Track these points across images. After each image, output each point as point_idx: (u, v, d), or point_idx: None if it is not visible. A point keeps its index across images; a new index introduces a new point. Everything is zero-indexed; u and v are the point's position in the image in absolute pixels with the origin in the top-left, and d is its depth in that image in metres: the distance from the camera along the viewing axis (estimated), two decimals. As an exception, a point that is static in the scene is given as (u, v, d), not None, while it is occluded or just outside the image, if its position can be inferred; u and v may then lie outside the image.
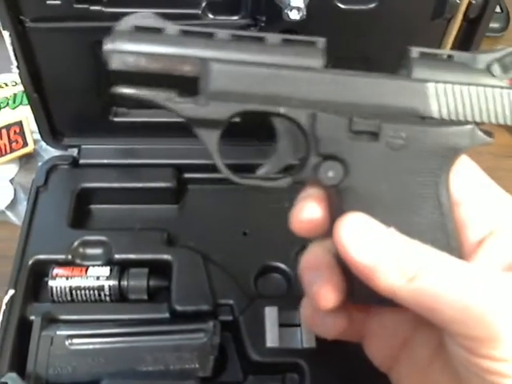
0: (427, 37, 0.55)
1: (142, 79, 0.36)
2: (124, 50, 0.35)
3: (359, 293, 0.37)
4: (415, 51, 0.37)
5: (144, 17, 0.36)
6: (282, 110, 0.36)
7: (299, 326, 0.53)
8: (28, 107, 0.73)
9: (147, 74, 0.36)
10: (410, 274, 0.32)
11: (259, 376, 0.52)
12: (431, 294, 0.31)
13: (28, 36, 0.53)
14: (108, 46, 0.35)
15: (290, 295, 0.58)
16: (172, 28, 0.36)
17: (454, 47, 0.55)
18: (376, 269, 0.33)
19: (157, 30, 0.36)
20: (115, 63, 0.35)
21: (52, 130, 0.63)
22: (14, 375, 0.48)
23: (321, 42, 0.36)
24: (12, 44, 0.53)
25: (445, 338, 0.34)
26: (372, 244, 0.33)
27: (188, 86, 0.36)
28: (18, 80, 0.77)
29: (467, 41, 0.55)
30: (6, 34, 0.52)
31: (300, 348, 0.52)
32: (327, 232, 0.37)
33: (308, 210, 0.37)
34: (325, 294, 0.36)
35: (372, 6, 0.51)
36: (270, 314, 0.54)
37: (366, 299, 0.37)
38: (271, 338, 0.52)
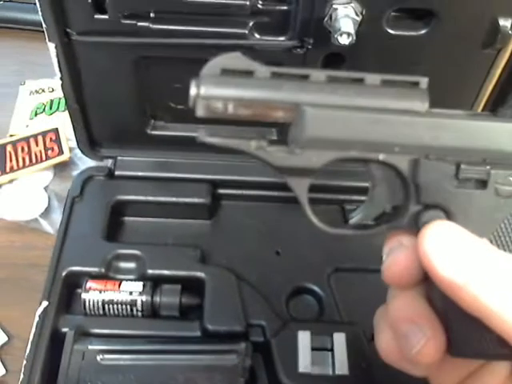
0: (476, 66, 0.54)
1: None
2: (211, 95, 0.33)
3: (460, 346, 0.34)
4: None
5: (232, 58, 0.33)
6: (381, 157, 0.34)
7: (331, 350, 0.53)
8: (64, 114, 0.74)
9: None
10: (499, 294, 0.30)
11: (290, 401, 0.52)
12: None
13: (73, 49, 0.53)
14: (193, 91, 0.33)
15: (323, 319, 0.57)
16: (262, 70, 0.33)
17: (501, 78, 0.54)
18: (466, 286, 0.30)
19: (246, 73, 0.33)
20: (201, 110, 0.33)
21: (90, 141, 0.63)
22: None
23: (424, 82, 0.34)
24: (57, 56, 0.53)
25: None
26: (461, 257, 0.31)
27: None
28: (55, 86, 0.79)
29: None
30: (51, 45, 0.52)
31: (332, 375, 0.51)
32: (422, 282, 0.35)
33: (403, 264, 0.35)
34: (428, 352, 0.34)
35: (422, 32, 0.51)
36: (303, 338, 0.53)
37: (468, 353, 0.34)
38: (303, 364, 0.51)
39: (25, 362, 0.51)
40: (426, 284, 0.36)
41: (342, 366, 0.52)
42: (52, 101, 0.78)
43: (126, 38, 0.52)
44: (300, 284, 0.59)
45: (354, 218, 0.38)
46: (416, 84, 0.34)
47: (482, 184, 0.34)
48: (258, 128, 0.49)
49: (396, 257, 0.36)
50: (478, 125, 0.34)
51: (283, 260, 0.62)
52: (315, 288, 0.59)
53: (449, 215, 0.34)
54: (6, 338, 0.58)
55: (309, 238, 0.63)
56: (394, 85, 0.34)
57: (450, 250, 0.32)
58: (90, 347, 0.52)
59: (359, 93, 0.34)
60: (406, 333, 0.35)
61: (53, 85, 0.80)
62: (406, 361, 0.37)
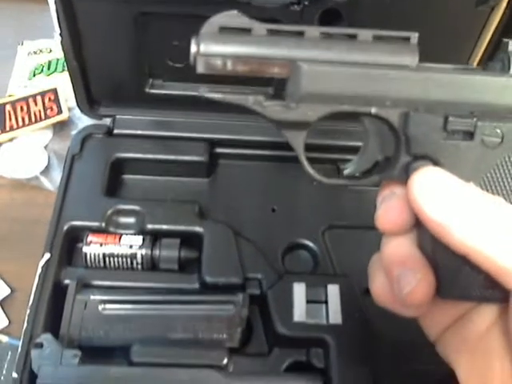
0: (471, 23, 0.54)
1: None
2: (210, 52, 0.34)
3: (448, 288, 0.36)
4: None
5: (230, 16, 0.35)
6: (373, 110, 0.35)
7: (326, 302, 0.54)
8: (63, 75, 0.75)
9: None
10: (486, 233, 0.31)
11: (284, 349, 0.53)
12: (505, 257, 0.31)
13: (73, 4, 0.54)
14: (194, 49, 0.34)
15: (317, 272, 0.59)
16: (259, 28, 0.35)
17: (495, 34, 0.54)
18: (449, 226, 0.32)
19: (243, 31, 0.35)
20: (201, 67, 0.35)
21: (88, 99, 0.64)
22: (49, 336, 0.50)
23: (414, 37, 0.35)
24: (57, 12, 0.53)
25: (510, 305, 0.33)
26: (446, 199, 0.33)
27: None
28: (54, 47, 0.79)
29: (510, 28, 0.54)
30: (51, 1, 0.52)
31: (326, 324, 0.53)
32: (413, 227, 0.37)
33: (395, 211, 0.37)
34: (418, 293, 0.36)
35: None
36: (298, 289, 0.55)
37: (456, 295, 0.36)
38: (298, 313, 0.53)
39: (28, 311, 0.53)
40: (417, 230, 0.38)
41: (335, 316, 0.53)
42: (50, 61, 0.79)
43: (125, -6, 0.52)
44: (295, 240, 0.61)
45: (348, 169, 0.40)
46: (407, 39, 0.35)
47: (470, 135, 0.35)
48: (255, 87, 0.51)
49: (388, 204, 0.38)
50: (465, 78, 0.35)
51: (279, 217, 0.63)
52: (310, 244, 0.60)
53: (437, 165, 0.36)
54: (8, 291, 0.60)
55: (304, 196, 0.64)
56: (385, 40, 0.35)
57: (437, 193, 0.33)
58: (91, 297, 0.53)
59: (352, 49, 0.35)
60: (398, 275, 0.37)
61: (51, 45, 0.80)
62: (398, 303, 0.39)
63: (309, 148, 0.38)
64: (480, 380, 0.37)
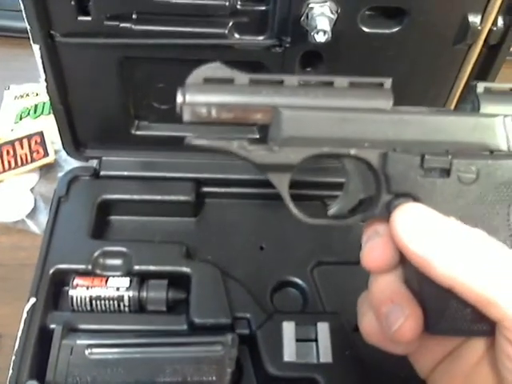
0: (448, 62, 0.56)
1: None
2: (196, 102, 0.36)
3: (436, 323, 0.36)
4: (481, 86, 0.37)
5: (213, 68, 0.37)
6: (352, 152, 0.37)
7: (316, 341, 0.54)
8: (49, 117, 0.75)
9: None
10: (469, 265, 0.32)
11: (275, 390, 0.53)
12: (489, 288, 0.31)
13: (57, 50, 0.55)
14: (180, 98, 0.36)
15: (306, 310, 0.58)
16: (241, 77, 0.37)
17: (473, 72, 0.56)
18: (432, 260, 0.33)
19: (226, 81, 0.37)
20: (187, 115, 0.36)
21: (74, 141, 0.64)
22: (34, 383, 0.49)
23: (388, 82, 0.37)
24: (41, 57, 0.54)
25: (497, 338, 0.33)
26: (428, 233, 0.33)
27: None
28: (40, 91, 0.80)
29: (487, 66, 0.56)
30: (36, 47, 0.53)
31: (316, 362, 0.53)
32: (399, 264, 0.38)
33: (380, 249, 0.38)
34: (407, 330, 0.36)
35: (395, 30, 0.53)
36: (288, 328, 0.54)
37: (444, 330, 0.37)
38: (288, 353, 0.53)
39: (13, 357, 0.52)
40: (402, 266, 0.38)
41: (326, 355, 0.53)
42: (36, 105, 0.79)
43: (108, 39, 0.53)
44: (284, 277, 0.61)
45: (332, 209, 0.41)
46: (381, 85, 0.38)
47: (446, 173, 0.36)
48: (240, 128, 0.52)
49: (373, 244, 0.38)
50: (439, 119, 0.37)
51: (267, 255, 0.63)
52: (299, 281, 0.60)
53: (417, 202, 0.37)
54: (-6, 337, 0.59)
55: (292, 233, 0.64)
56: (360, 86, 0.38)
57: (419, 228, 0.34)
58: (78, 342, 0.52)
59: (329, 94, 0.37)
60: (386, 313, 0.37)
61: (37, 89, 0.81)
62: (388, 340, 0.39)
63: (294, 185, 0.39)
64: None
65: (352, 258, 0.61)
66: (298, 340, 0.54)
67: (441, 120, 0.37)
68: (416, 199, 0.37)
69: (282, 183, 0.38)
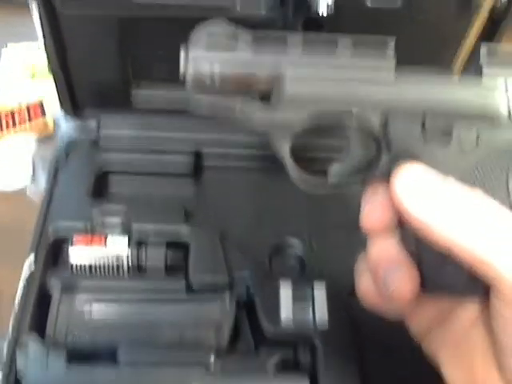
0: (453, 29, 0.55)
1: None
2: (199, 57, 0.37)
3: (433, 284, 0.37)
4: (484, 48, 0.37)
5: (216, 24, 0.37)
6: (354, 110, 0.37)
7: (312, 303, 0.55)
8: (48, 81, 0.74)
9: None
10: (466, 226, 0.32)
11: (271, 349, 0.53)
12: (486, 250, 0.32)
13: (56, 11, 0.54)
14: (183, 54, 0.37)
15: (304, 274, 0.59)
16: (244, 35, 0.37)
17: (477, 41, 0.56)
18: (430, 221, 0.33)
19: (230, 37, 0.37)
20: (190, 71, 0.37)
21: (73, 103, 0.64)
22: (34, 337, 0.50)
23: (391, 42, 0.37)
24: (40, 17, 0.53)
25: (492, 300, 0.34)
26: (426, 194, 0.34)
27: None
28: (38, 51, 0.79)
29: (490, 35, 0.55)
30: (34, 5, 0.52)
31: (313, 323, 0.53)
32: (397, 227, 0.38)
33: (379, 211, 0.38)
34: (404, 290, 0.36)
35: (398, 3, 0.52)
36: (285, 290, 0.55)
37: (440, 291, 0.37)
38: (285, 313, 0.53)
39: (13, 314, 0.52)
40: (401, 229, 0.38)
41: (322, 316, 0.54)
42: (35, 65, 0.78)
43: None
44: (282, 241, 0.61)
45: (332, 173, 0.41)
46: (384, 44, 0.37)
47: (447, 137, 0.37)
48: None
49: (372, 206, 0.39)
50: (442, 83, 0.37)
51: (266, 219, 0.63)
52: (296, 245, 0.61)
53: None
54: (-6, 293, 0.60)
55: (291, 197, 0.64)
56: (364, 45, 0.37)
57: (417, 189, 0.34)
58: (77, 300, 0.53)
59: (332, 53, 0.37)
60: (383, 274, 0.38)
61: (36, 49, 0.79)
62: (384, 302, 0.40)
63: (296, 152, 0.39)
64: (463, 376, 0.38)
65: (350, 223, 0.61)
66: (294, 301, 0.54)
67: (442, 83, 0.37)
68: (416, 161, 0.37)
69: (283, 147, 0.39)
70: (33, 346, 0.49)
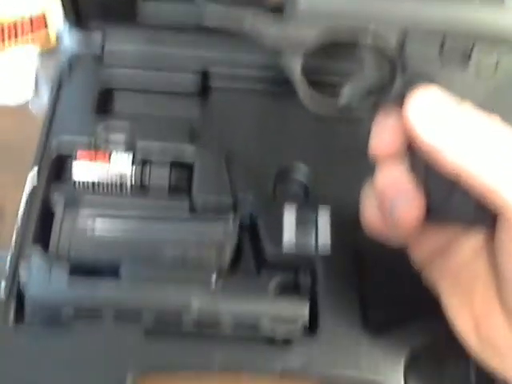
0: None
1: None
2: None
3: (439, 213, 0.37)
4: None
5: None
6: (371, 26, 0.35)
7: (316, 227, 0.54)
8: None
9: None
10: (478, 152, 0.32)
11: (273, 271, 0.54)
12: (496, 177, 0.31)
13: None
14: None
15: (308, 198, 0.59)
16: None
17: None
18: (442, 144, 0.32)
19: None
20: None
21: (76, 13, 0.61)
22: (37, 250, 0.50)
23: None
24: None
25: (498, 230, 0.34)
26: (440, 117, 0.33)
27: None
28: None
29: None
30: None
31: (315, 247, 0.53)
32: (407, 154, 0.38)
33: (389, 136, 0.37)
34: (410, 217, 0.36)
35: None
36: (288, 213, 0.55)
37: (446, 219, 0.37)
38: (288, 236, 0.53)
39: (16, 229, 0.52)
40: (410, 156, 0.38)
41: (325, 241, 0.54)
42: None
43: None
44: (287, 166, 0.60)
45: (344, 96, 0.40)
46: None
47: (465, 60, 0.35)
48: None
49: (383, 130, 0.38)
50: (463, 2, 0.35)
51: (272, 142, 0.62)
52: (302, 171, 0.60)
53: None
54: (-4, 208, 0.60)
55: (298, 122, 0.63)
56: None
57: (432, 113, 0.33)
58: (80, 215, 0.53)
59: None
60: (390, 200, 0.37)
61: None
62: (388, 230, 0.39)
63: (307, 73, 0.38)
64: (462, 306, 0.38)
65: (357, 152, 0.60)
66: (298, 225, 0.54)
67: (465, 2, 0.35)
68: (431, 85, 0.35)
69: (293, 65, 0.37)
70: (36, 259, 0.49)
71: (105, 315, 0.49)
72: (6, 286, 0.49)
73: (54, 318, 0.49)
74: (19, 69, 0.69)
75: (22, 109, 0.67)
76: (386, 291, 0.53)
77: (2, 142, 0.64)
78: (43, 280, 0.48)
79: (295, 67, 0.37)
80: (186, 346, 0.49)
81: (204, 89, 0.64)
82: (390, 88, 0.37)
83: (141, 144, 0.57)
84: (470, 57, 0.35)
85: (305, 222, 0.55)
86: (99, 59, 0.63)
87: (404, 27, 0.35)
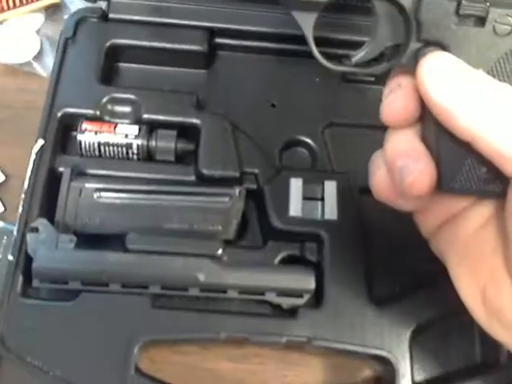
0: None
1: None
2: None
3: (449, 182, 0.36)
4: None
5: None
6: None
7: (322, 199, 0.54)
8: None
9: None
10: (492, 118, 0.32)
11: (279, 243, 0.54)
12: (508, 143, 0.31)
13: None
14: None
15: (315, 169, 0.58)
16: None
17: None
18: (456, 110, 0.32)
19: None
20: None
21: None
22: (44, 221, 0.50)
23: None
24: None
25: (509, 198, 0.33)
26: (454, 83, 0.33)
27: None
28: None
29: None
30: None
31: (321, 219, 0.53)
32: (418, 121, 0.37)
33: (401, 101, 0.37)
34: (420, 183, 0.36)
35: None
36: (295, 185, 0.54)
37: (456, 189, 0.36)
38: (294, 208, 0.53)
39: (23, 196, 0.52)
40: (422, 122, 0.37)
41: (331, 212, 0.53)
42: None
43: None
44: (294, 136, 0.59)
45: (357, 56, 0.39)
46: None
47: (481, 21, 0.35)
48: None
49: (395, 96, 0.37)
50: None
51: (278, 112, 0.61)
52: (308, 140, 0.59)
53: (448, 51, 0.35)
54: (3, 178, 0.59)
55: (305, 92, 0.62)
56: None
57: (445, 77, 0.33)
58: (86, 185, 0.53)
59: None
60: (400, 166, 0.37)
61: None
62: (397, 196, 0.39)
63: (317, 42, 0.37)
64: (470, 273, 0.38)
65: (365, 122, 0.60)
66: (304, 197, 0.54)
67: None
68: (446, 49, 0.35)
69: (307, 23, 0.37)
70: (43, 228, 0.50)
71: (111, 286, 0.49)
72: (12, 259, 0.49)
73: (61, 289, 0.49)
74: (24, 28, 0.68)
75: (27, 68, 0.66)
76: (392, 264, 0.53)
77: (5, 103, 0.64)
78: (50, 252, 0.49)
79: (307, 27, 0.37)
80: (193, 316, 0.50)
81: (210, 49, 0.62)
82: (405, 50, 0.36)
83: (146, 116, 0.56)
84: (485, 19, 0.34)
85: (311, 193, 0.54)
86: (105, 16, 0.61)
87: None
